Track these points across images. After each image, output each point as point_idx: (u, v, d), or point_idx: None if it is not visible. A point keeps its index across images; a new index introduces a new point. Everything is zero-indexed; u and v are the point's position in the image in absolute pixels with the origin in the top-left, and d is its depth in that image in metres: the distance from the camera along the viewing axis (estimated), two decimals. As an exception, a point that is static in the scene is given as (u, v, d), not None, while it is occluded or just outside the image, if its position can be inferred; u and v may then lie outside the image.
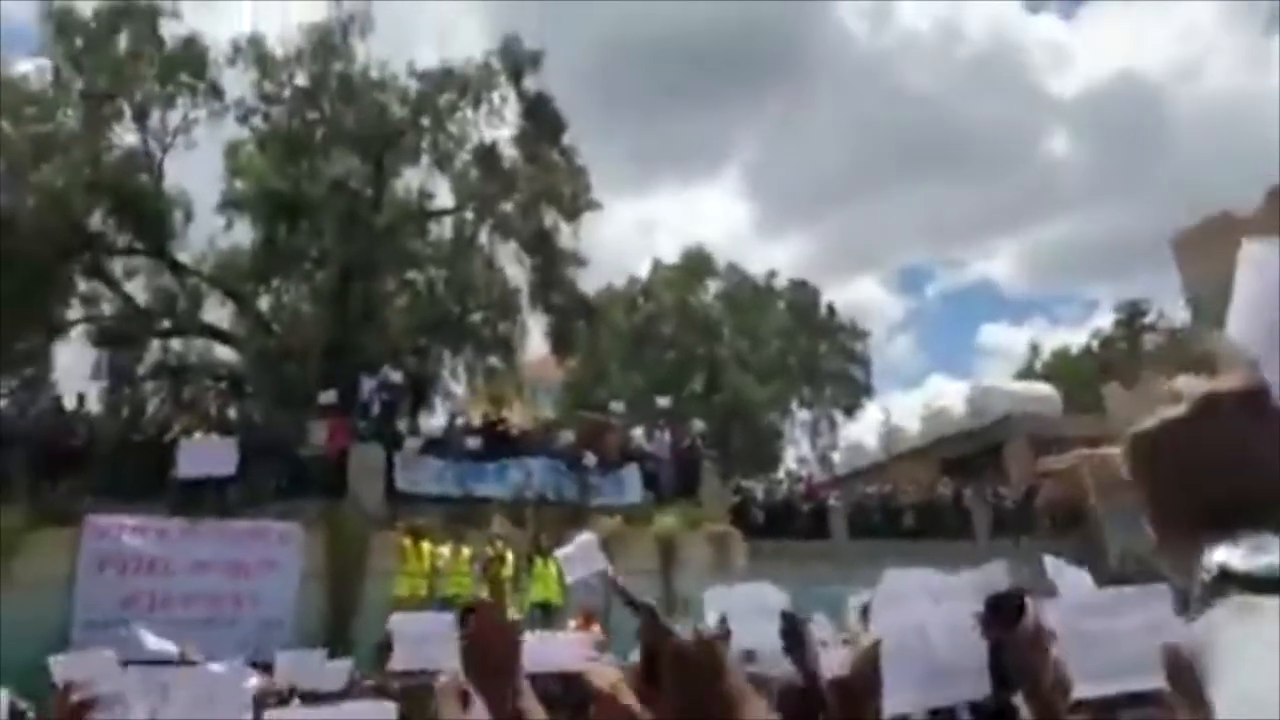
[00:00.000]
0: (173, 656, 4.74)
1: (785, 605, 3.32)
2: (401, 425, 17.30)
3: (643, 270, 36.71)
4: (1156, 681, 0.83)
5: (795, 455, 36.74)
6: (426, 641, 3.62)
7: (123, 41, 20.52)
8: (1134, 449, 0.84)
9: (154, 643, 5.42)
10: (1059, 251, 70.06)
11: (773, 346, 35.20)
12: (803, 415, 36.86)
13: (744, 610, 3.48)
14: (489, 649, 1.58)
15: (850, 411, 36.92)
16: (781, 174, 69.96)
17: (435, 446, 16.17)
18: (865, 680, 1.99)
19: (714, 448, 19.46)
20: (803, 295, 37.12)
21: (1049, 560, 3.20)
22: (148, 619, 11.82)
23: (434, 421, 19.53)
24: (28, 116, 19.30)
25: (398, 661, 3.55)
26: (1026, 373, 47.72)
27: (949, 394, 41.36)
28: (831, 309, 37.56)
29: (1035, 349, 51.42)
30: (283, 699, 5.24)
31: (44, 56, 20.91)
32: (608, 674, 1.81)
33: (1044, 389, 36.89)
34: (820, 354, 36.31)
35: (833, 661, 2.84)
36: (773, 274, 37.58)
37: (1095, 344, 45.81)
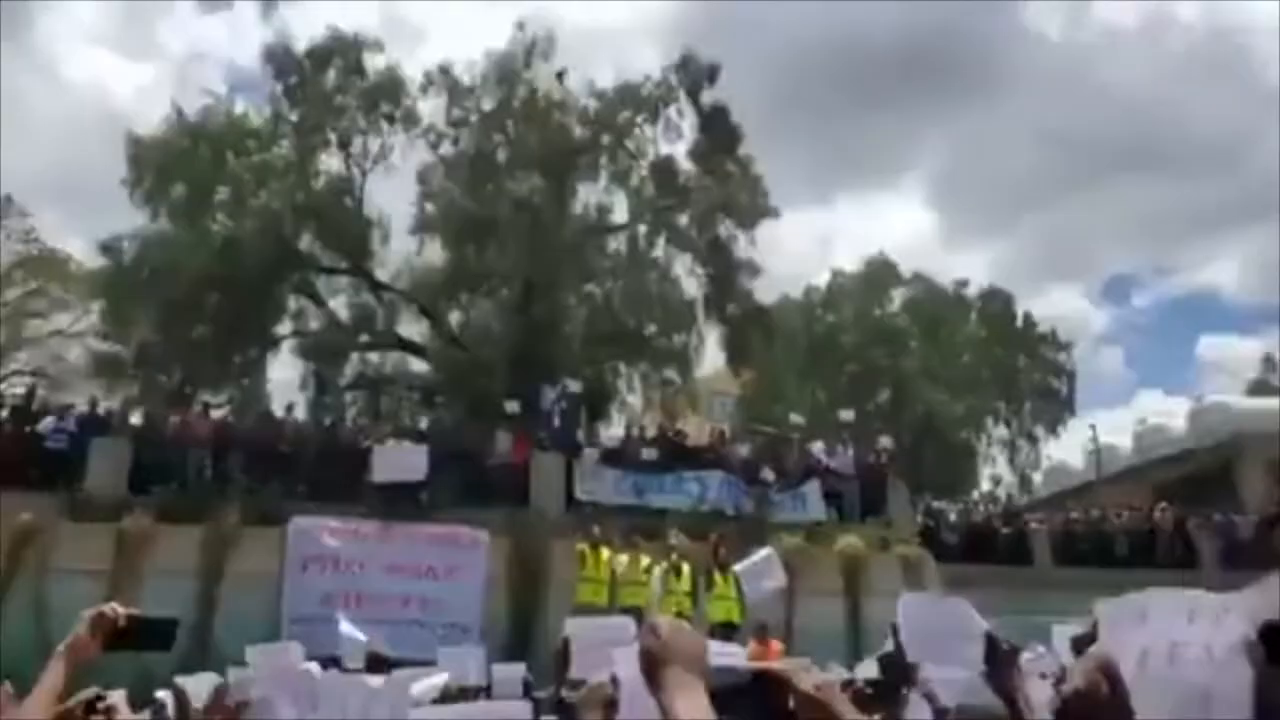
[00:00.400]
0: (361, 646, 4.77)
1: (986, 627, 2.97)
2: (580, 435, 17.52)
3: (821, 280, 35.82)
4: None
5: (991, 475, 34.60)
6: (605, 648, 3.43)
7: (331, 76, 22.17)
8: None
9: (346, 629, 5.52)
10: (1290, 255, 62.56)
11: (965, 359, 33.27)
12: (999, 432, 34.57)
13: (937, 629, 3.11)
14: (672, 657, 1.41)
15: (1053, 429, 34.28)
16: (968, 181, 66.49)
17: (613, 457, 16.24)
18: (1097, 702, 1.80)
19: (902, 465, 18.41)
20: (997, 305, 34.88)
21: None
22: (345, 616, 12.51)
23: (612, 432, 19.70)
24: (248, 149, 21.16)
25: (576, 669, 3.35)
26: (1261, 388, 43.03)
27: (1165, 411, 37.83)
28: (1030, 319, 35.08)
29: (1270, 361, 46.30)
30: (449, 698, 5.20)
31: (263, 94, 23.02)
32: (813, 674, 1.65)
33: (1280, 405, 33.08)
34: (1018, 367, 33.94)
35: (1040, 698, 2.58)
36: (963, 283, 35.61)
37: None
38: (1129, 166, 62.30)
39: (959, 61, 60.07)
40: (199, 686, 4.50)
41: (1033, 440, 34.33)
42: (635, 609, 11.41)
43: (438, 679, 5.26)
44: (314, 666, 3.88)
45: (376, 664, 4.07)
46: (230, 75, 66.61)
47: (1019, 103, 62.47)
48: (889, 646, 5.08)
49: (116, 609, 2.12)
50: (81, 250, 27.89)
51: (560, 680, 3.21)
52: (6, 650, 7.71)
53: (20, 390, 21.22)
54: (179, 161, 21.11)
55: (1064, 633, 3.75)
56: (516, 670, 6.42)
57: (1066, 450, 35.68)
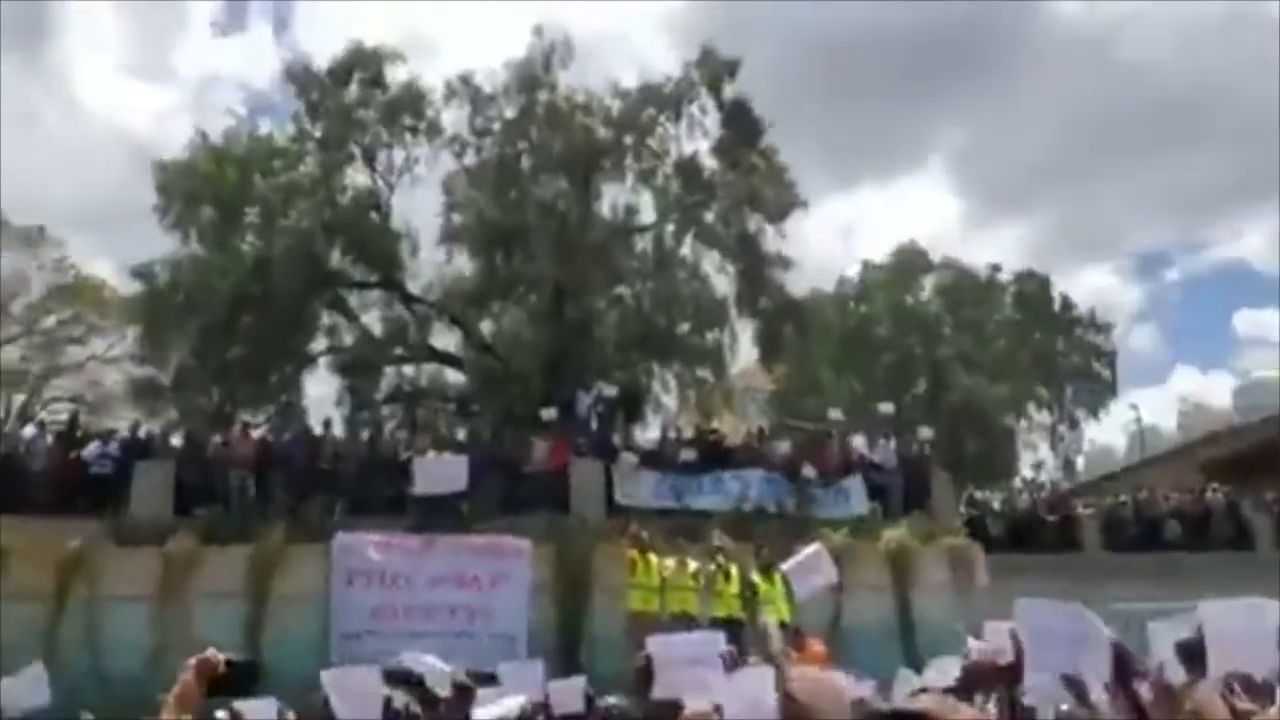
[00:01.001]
0: (445, 675, 4.67)
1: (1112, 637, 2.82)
2: (617, 439, 17.42)
3: (851, 271, 35.42)
4: None
5: (1033, 461, 34.01)
6: (692, 667, 3.31)
7: (352, 90, 22.25)
8: None
9: (429, 660, 5.41)
10: (1327, 225, 61.09)
11: (1001, 344, 32.71)
12: (1040, 418, 33.97)
13: (1060, 635, 2.98)
14: None
15: (1094, 412, 33.65)
16: (992, 163, 65.84)
17: (651, 459, 16.11)
18: None
19: (943, 455, 18.13)
20: (1032, 287, 34.25)
21: None
22: (393, 631, 12.50)
23: (648, 435, 19.58)
24: (275, 169, 21.31)
25: (661, 688, 3.22)
26: (1306, 360, 42.08)
27: (1204, 387, 37.08)
28: (1067, 301, 34.41)
29: (1314, 332, 45.35)
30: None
31: (282, 114, 23.22)
32: (961, 711, 1.50)
33: (1333, 378, 32.27)
34: (1057, 350, 33.31)
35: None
36: (997, 267, 35.02)
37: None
38: (1155, 142, 61.29)
39: (978, 42, 59.46)
40: (257, 711, 4.45)
41: (1074, 424, 33.72)
42: (685, 615, 11.31)
43: (512, 702, 5.15)
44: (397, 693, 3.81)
45: (463, 690, 3.99)
46: (249, 98, 67.60)
47: (1040, 82, 61.71)
48: (972, 648, 4.88)
49: (217, 655, 2.17)
50: (112, 275, 28.34)
51: (642, 700, 3.07)
52: (62, 680, 7.71)
53: (62, 417, 21.56)
54: (206, 185, 21.30)
55: (1161, 632, 3.55)
56: (576, 684, 6.30)
57: (1107, 432, 35.18)
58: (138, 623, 12.08)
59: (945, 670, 5.10)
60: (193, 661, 2.17)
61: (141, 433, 16.75)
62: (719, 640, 3.64)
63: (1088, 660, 2.93)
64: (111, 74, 58.57)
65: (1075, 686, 3.40)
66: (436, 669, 5.04)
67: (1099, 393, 33.44)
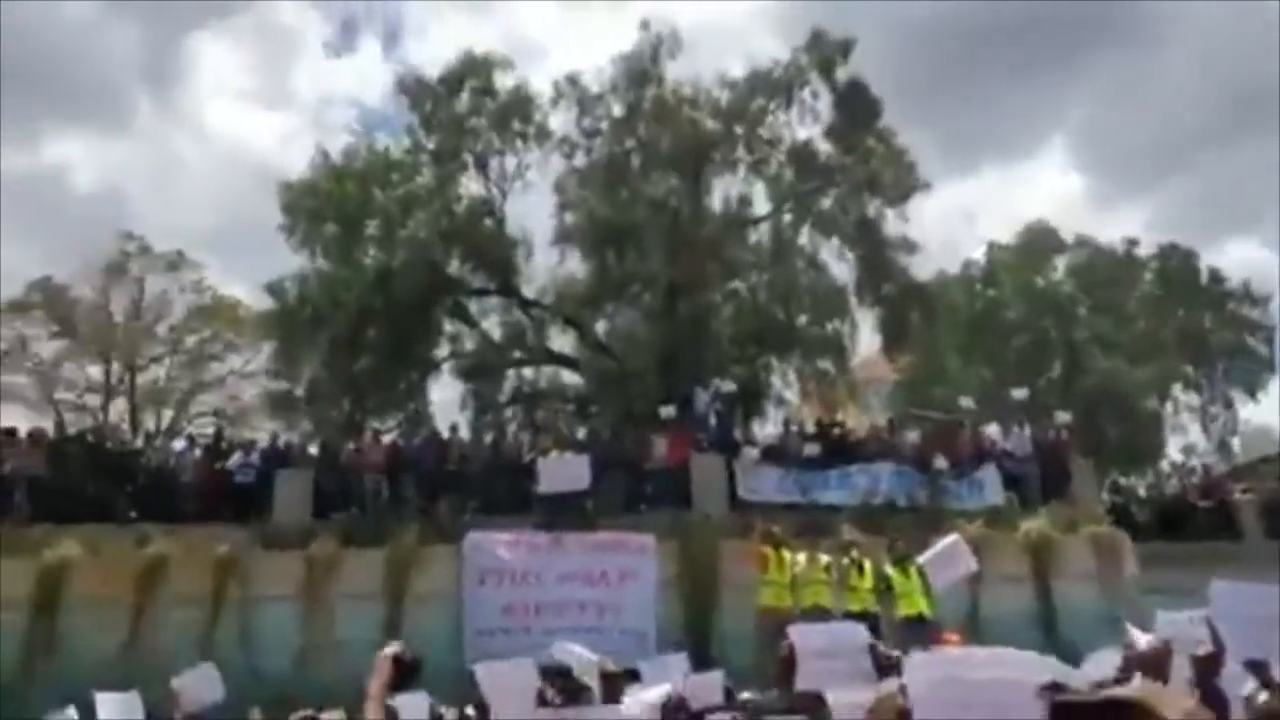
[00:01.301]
0: (592, 664, 4.64)
1: None
2: (737, 434, 17.19)
3: (977, 254, 33.96)
4: None
5: (1181, 444, 31.88)
6: (836, 657, 3.13)
7: (464, 99, 22.72)
8: None
9: (578, 650, 5.41)
10: None
11: (1141, 324, 30.78)
12: (1189, 399, 31.80)
13: (1259, 617, 2.71)
14: None
15: (1252, 391, 31.26)
16: (1114, 140, 62.31)
17: (773, 454, 15.86)
18: None
19: (1083, 441, 17.20)
20: (1175, 262, 32.06)
21: None
22: (525, 627, 12.65)
23: (768, 429, 19.30)
24: (393, 182, 21.97)
25: (805, 679, 3.04)
26: None
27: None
28: (1216, 274, 32.03)
29: None
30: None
31: (395, 128, 23.95)
32: (1179, 701, 1.35)
33: None
34: (1206, 327, 31.10)
35: None
36: (1134, 242, 32.90)
37: None
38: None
39: (1094, 13, 56.34)
40: (412, 708, 4.49)
41: (1228, 404, 31.41)
42: (818, 609, 11.01)
43: (658, 692, 5.07)
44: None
45: (611, 678, 3.93)
46: (364, 114, 70.30)
47: (1160, 53, 58.16)
48: (1136, 639, 4.51)
49: (406, 651, 2.21)
50: (247, 294, 29.86)
51: (785, 692, 2.90)
52: (223, 680, 8.06)
53: (208, 431, 22.82)
54: (328, 202, 22.11)
55: None
56: (715, 678, 6.16)
57: (1265, 413, 32.69)
58: (286, 622, 12.56)
59: (1104, 663, 4.78)
60: (388, 653, 2.17)
61: (280, 443, 17.55)
62: (861, 630, 3.43)
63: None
64: (235, 103, 62.05)
65: (1260, 671, 3.08)
66: (585, 659, 4.99)
67: (1255, 370, 31.03)
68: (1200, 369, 31.38)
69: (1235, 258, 60.83)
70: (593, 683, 4.02)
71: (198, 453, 16.12)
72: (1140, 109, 61.86)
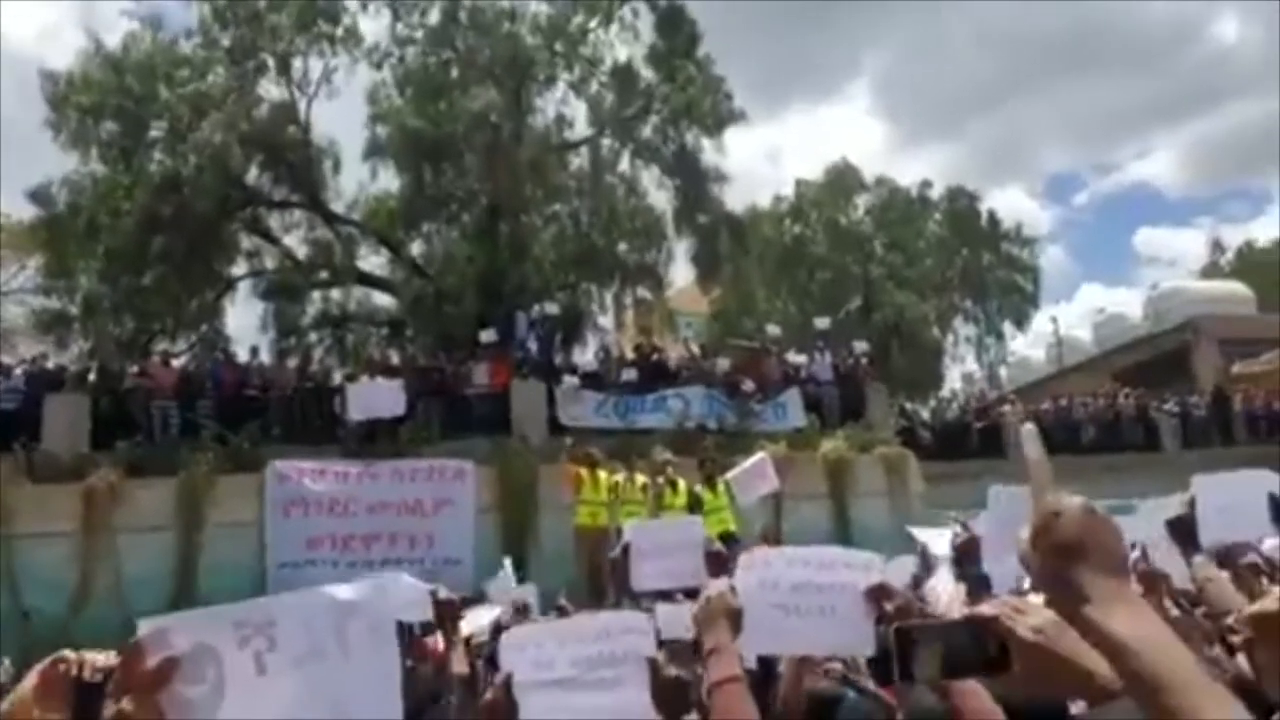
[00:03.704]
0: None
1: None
2: (558, 360, 17.18)
3: (785, 191, 35.20)
4: None
5: (962, 373, 34.95)
6: (672, 554, 3.12)
7: (262, -6, 20.69)
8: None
9: (408, 580, 5.21)
10: (1226, 145, 63.77)
11: (929, 261, 33.20)
12: (966, 330, 34.81)
13: (1231, 504, 2.99)
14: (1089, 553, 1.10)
15: (1019, 324, 34.61)
16: (913, 87, 66.28)
17: (592, 380, 16.00)
18: None
19: (876, 369, 18.44)
20: (961, 204, 34.65)
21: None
22: (332, 560, 12.24)
23: (586, 356, 19.38)
24: (182, 79, 19.86)
25: (641, 579, 3.02)
26: (1211, 272, 43.79)
27: (1112, 301, 38.35)
28: (994, 217, 34.93)
29: (1219, 245, 47.28)
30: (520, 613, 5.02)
31: (184, 22, 21.59)
32: (1031, 615, 1.30)
33: (1235, 287, 33.67)
34: (983, 265, 33.97)
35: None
36: (928, 184, 35.24)
37: (1293, 234, 41.37)
38: (1063, 65, 62.31)
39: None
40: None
41: (999, 336, 34.67)
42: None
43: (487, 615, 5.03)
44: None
45: (444, 606, 3.79)
46: (143, 8, 63.05)
47: (959, 7, 61.79)
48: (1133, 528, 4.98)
49: (76, 657, 1.52)
50: (10, 204, 26.41)
51: (621, 592, 2.87)
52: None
53: (-41, 352, 20.24)
54: (104, 96, 19.73)
55: (1146, 512, 3.58)
56: (529, 589, 6.33)
57: (1028, 346, 36.28)
58: (59, 560, 11.59)
59: (902, 567, 5.22)
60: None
61: (50, 364, 15.93)
62: (696, 526, 3.45)
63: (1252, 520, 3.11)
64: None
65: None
66: (416, 588, 4.83)
67: (1022, 306, 34.33)
68: (977, 303, 34.34)
69: (1005, 203, 66.49)
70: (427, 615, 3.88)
71: (-58, 377, 14.33)
72: (934, 60, 65.87)
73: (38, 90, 20.18)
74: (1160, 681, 0.92)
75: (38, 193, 20.46)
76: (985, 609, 1.35)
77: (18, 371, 14.69)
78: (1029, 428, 1.20)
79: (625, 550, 3.08)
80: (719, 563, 2.50)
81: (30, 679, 1.46)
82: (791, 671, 2.53)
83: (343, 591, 1.30)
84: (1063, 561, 1.03)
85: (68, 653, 1.50)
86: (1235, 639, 2.16)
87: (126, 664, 1.17)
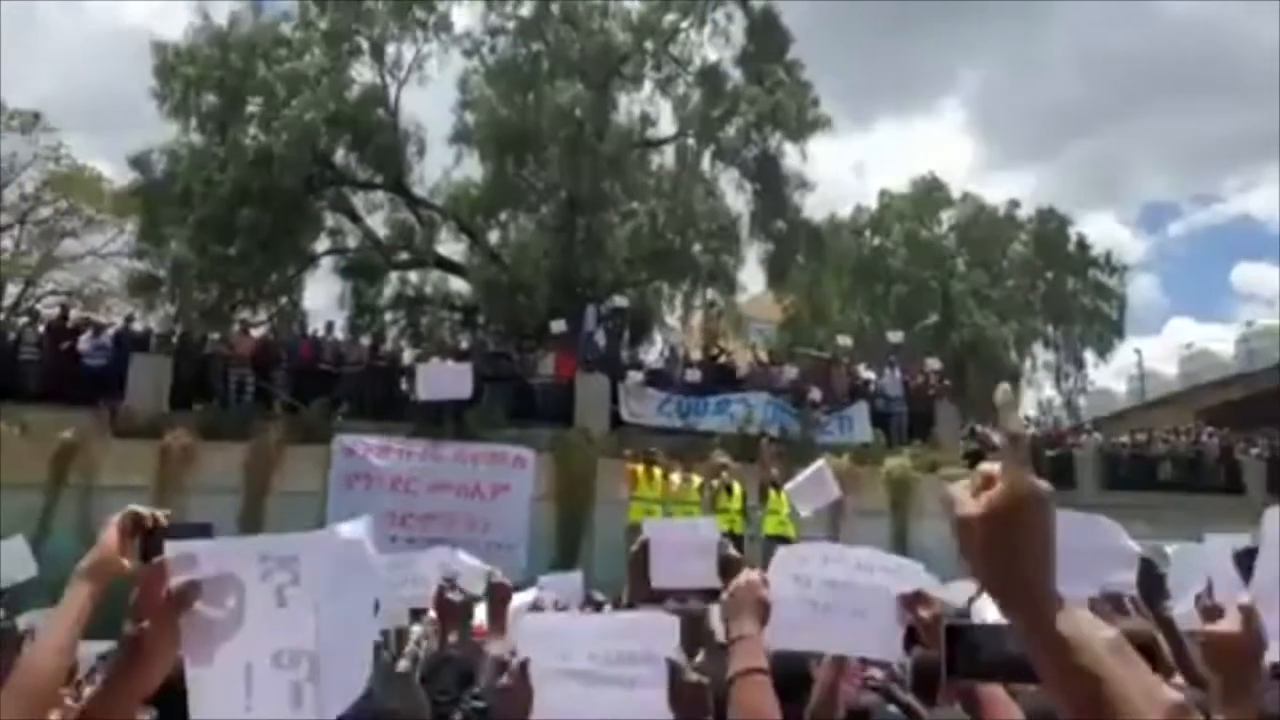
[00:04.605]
0: (482, 573, 4.49)
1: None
2: (624, 356, 17.19)
3: (868, 202, 34.64)
4: None
5: (1038, 400, 33.94)
6: (689, 554, 3.07)
7: (362, -22, 21.15)
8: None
9: (465, 558, 5.25)
10: (1333, 181, 60.33)
11: (1013, 282, 32.30)
12: (1046, 356, 33.76)
13: (1080, 547, 2.87)
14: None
15: (1102, 353, 33.41)
16: (1009, 106, 64.69)
17: (657, 378, 15.97)
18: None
19: (949, 388, 17.99)
20: (1050, 227, 33.56)
21: None
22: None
23: (652, 354, 19.35)
24: (280, 58, 20.40)
25: (659, 576, 2.97)
26: (1313, 313, 41.81)
27: (1202, 337, 36.81)
28: (1083, 242, 33.76)
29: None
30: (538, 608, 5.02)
31: (290, 3, 22.15)
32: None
33: (1336, 329, 32.03)
34: (1068, 290, 32.90)
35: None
36: (1015, 204, 34.25)
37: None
38: (1168, 92, 60.12)
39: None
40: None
41: (1080, 365, 33.53)
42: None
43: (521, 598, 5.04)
44: None
45: (498, 589, 3.80)
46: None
47: (1059, 26, 60.17)
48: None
49: (149, 511, 1.67)
50: (111, 170, 27.47)
51: (637, 590, 2.80)
52: (52, 569, 7.54)
53: (55, 310, 21.13)
54: (208, 70, 20.39)
55: (1214, 546, 3.34)
56: (575, 578, 6.31)
57: (1110, 377, 35.05)
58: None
59: (959, 590, 5.05)
60: (114, 518, 1.64)
61: (137, 326, 16.51)
62: (713, 527, 3.38)
63: (1110, 572, 2.90)
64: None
65: (1113, 602, 3.21)
66: (474, 567, 4.85)
67: (1106, 335, 33.15)
68: (1059, 329, 33.29)
69: (1097, 230, 64.42)
70: (479, 591, 3.88)
71: (41, 331, 14.95)
72: (1031, 79, 64.17)
73: (148, 64, 20.92)
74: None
75: (139, 159, 21.21)
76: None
77: (109, 331, 15.21)
78: (1004, 388, 1.10)
79: (644, 547, 3.03)
80: (732, 567, 2.43)
81: (109, 529, 1.65)
82: (828, 676, 2.45)
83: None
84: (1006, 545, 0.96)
85: (137, 508, 1.68)
86: None
87: (148, 583, 1.19)
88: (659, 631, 2.18)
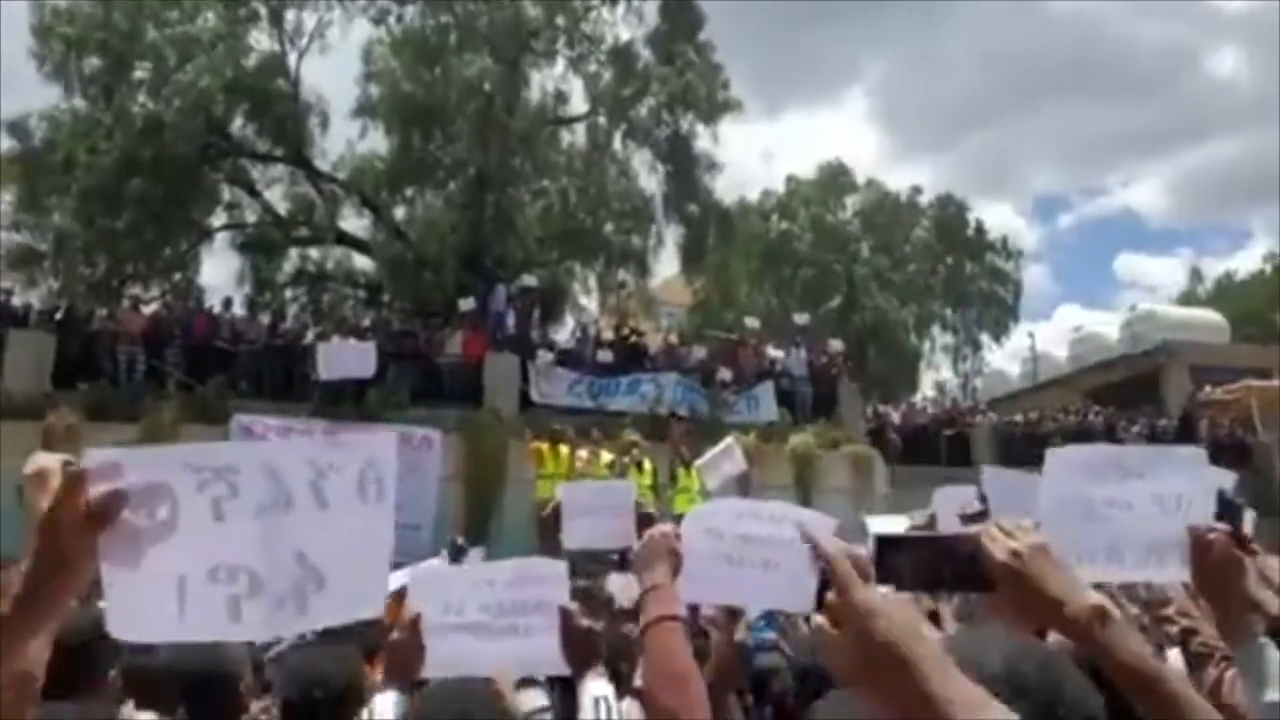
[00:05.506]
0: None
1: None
2: (534, 336, 17.06)
3: (775, 187, 35.18)
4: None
5: (935, 380, 35.18)
6: (603, 515, 3.06)
7: (259, -61, 20.25)
8: None
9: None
10: (1212, 179, 64.54)
11: (915, 266, 33.35)
12: (944, 338, 35.04)
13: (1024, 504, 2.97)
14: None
15: (997, 337, 34.85)
16: (911, 98, 66.51)
17: (567, 358, 15.91)
18: None
19: (851, 368, 18.49)
20: (950, 212, 34.75)
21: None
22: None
23: (563, 334, 19.28)
24: (170, 20, 19.40)
25: (572, 538, 2.97)
26: (1188, 299, 44.35)
27: (1096, 322, 38.76)
28: (981, 227, 35.10)
29: (1198, 274, 47.92)
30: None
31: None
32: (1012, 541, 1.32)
33: (1210, 315, 34.03)
34: (966, 274, 34.15)
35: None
36: (917, 190, 35.35)
37: (1269, 269, 42.05)
38: (1062, 88, 62.91)
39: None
40: None
41: (976, 347, 34.89)
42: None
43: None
44: None
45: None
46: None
47: (959, 23, 62.18)
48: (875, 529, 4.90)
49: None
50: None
51: (549, 552, 2.80)
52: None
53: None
54: (91, 30, 19.23)
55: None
56: (475, 554, 6.31)
57: (1004, 360, 36.57)
58: (9, 497, 11.33)
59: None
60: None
61: (16, 301, 15.61)
62: (630, 490, 3.39)
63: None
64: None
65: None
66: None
67: (1002, 318, 34.55)
68: (957, 312, 34.55)
69: (992, 220, 66.99)
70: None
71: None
72: (933, 73, 66.22)
73: (24, 23, 19.70)
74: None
75: (15, 125, 19.97)
76: (975, 529, 1.36)
77: (-18, 306, 14.37)
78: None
79: (556, 510, 3.02)
80: (649, 525, 2.44)
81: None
82: (724, 635, 2.49)
83: (326, 445, 1.22)
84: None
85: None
86: (1172, 629, 2.15)
87: (66, 494, 1.05)
88: (549, 578, 2.18)
